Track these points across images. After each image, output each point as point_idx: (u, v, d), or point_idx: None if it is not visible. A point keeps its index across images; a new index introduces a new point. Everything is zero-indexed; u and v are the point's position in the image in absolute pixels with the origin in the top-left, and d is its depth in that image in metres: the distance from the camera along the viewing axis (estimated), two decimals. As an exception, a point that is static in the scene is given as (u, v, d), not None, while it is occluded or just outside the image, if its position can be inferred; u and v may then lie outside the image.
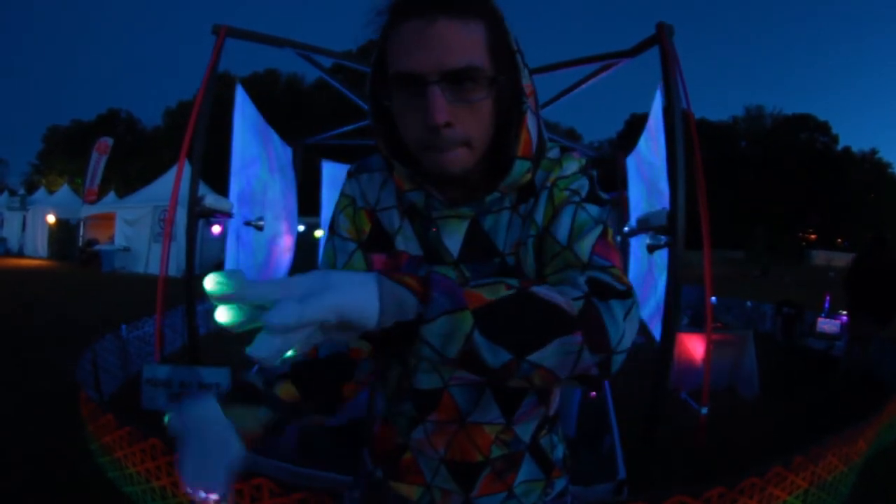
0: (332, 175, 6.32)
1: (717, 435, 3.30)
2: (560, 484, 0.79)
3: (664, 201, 3.46)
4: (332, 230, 0.81)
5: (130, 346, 4.38)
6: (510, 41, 0.63)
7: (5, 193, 20.40)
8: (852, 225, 40.88)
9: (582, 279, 0.58)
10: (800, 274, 21.95)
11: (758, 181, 37.78)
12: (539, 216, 0.70)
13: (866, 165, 43.51)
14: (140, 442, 2.30)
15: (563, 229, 0.66)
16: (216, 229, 3.66)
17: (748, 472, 2.09)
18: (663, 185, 3.67)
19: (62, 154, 39.35)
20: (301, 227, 6.57)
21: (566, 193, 0.69)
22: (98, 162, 16.86)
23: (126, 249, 14.28)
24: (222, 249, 3.66)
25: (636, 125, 4.79)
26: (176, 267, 10.24)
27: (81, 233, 15.93)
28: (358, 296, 0.45)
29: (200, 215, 3.15)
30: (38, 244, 17.15)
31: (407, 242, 0.74)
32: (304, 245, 7.06)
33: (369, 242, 0.78)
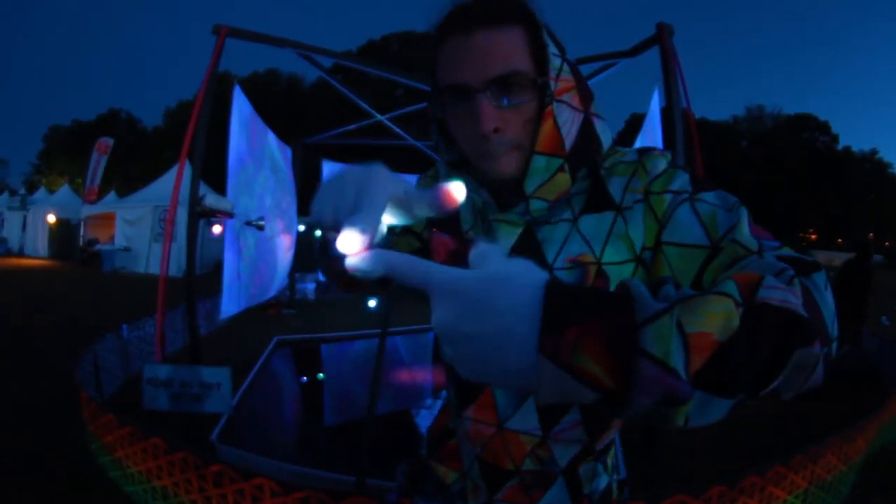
0: (333, 175, 6.32)
1: (717, 434, 3.30)
2: None
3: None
4: None
5: (131, 346, 4.39)
6: (544, 38, 0.62)
7: (6, 193, 20.42)
8: (853, 225, 40.87)
9: (772, 259, 0.47)
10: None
11: (758, 181, 37.74)
12: (638, 234, 0.63)
13: (867, 165, 43.49)
14: (141, 441, 2.30)
15: (694, 231, 0.57)
16: (217, 229, 3.67)
17: (748, 471, 2.10)
18: None
19: (63, 154, 39.34)
20: (301, 227, 6.58)
21: (668, 196, 0.61)
22: (98, 162, 16.88)
23: (126, 249, 14.29)
24: (223, 249, 3.67)
25: (636, 125, 4.84)
26: (177, 267, 10.26)
27: (82, 233, 15.94)
28: (502, 356, 0.34)
29: (201, 215, 3.16)
30: (39, 244, 17.16)
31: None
32: (305, 245, 7.07)
33: (437, 219, 0.77)
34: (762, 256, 0.50)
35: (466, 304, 0.35)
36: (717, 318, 0.34)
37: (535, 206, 0.67)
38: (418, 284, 0.37)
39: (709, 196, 0.59)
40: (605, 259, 0.64)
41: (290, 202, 5.41)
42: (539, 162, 0.64)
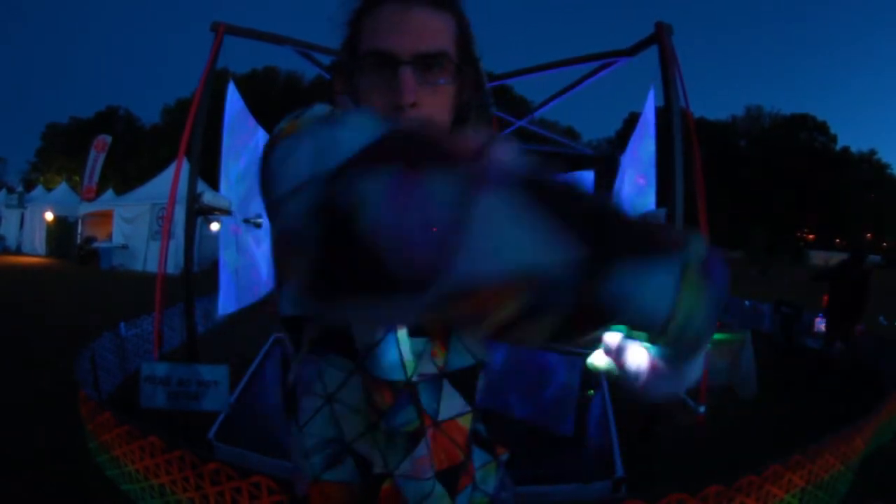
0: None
1: (715, 433, 3.30)
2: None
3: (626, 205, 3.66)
4: None
5: (129, 345, 4.38)
6: (471, 41, 0.67)
7: (3, 191, 20.36)
8: (851, 225, 40.95)
9: None
10: (798, 274, 21.97)
11: (756, 181, 37.79)
12: None
13: (865, 166, 43.57)
14: (139, 440, 2.30)
15: None
16: (214, 226, 3.66)
17: (746, 470, 2.10)
18: (626, 190, 3.87)
19: (60, 152, 39.27)
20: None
21: None
22: (96, 159, 16.84)
23: (124, 247, 14.26)
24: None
25: (635, 124, 4.91)
26: (174, 265, 10.21)
27: (79, 230, 15.90)
28: None
29: (199, 213, 3.15)
30: (37, 242, 17.12)
31: None
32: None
33: None
34: None
35: None
36: None
37: None
38: None
39: None
40: None
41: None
42: None
